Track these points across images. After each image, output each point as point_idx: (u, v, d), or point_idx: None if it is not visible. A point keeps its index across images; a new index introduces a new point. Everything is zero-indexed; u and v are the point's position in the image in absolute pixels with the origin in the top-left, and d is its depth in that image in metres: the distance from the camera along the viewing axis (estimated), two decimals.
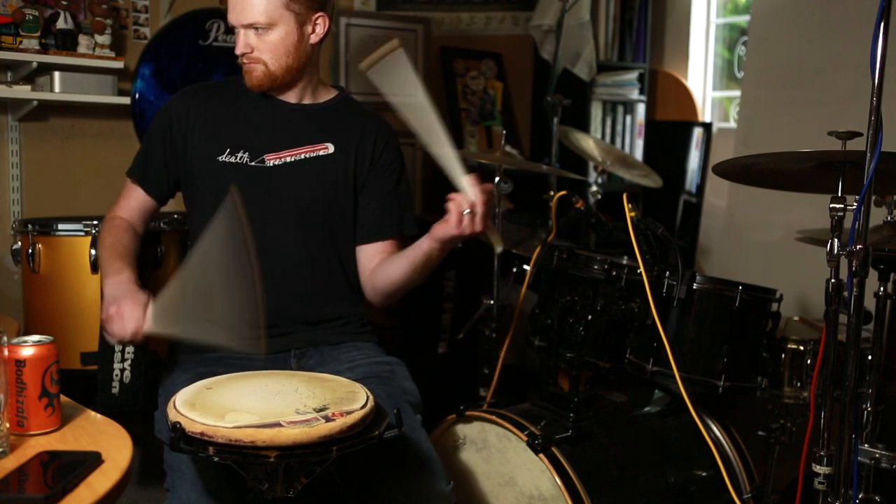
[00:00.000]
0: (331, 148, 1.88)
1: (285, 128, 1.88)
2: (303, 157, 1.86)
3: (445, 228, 1.65)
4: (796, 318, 2.69)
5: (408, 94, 1.59)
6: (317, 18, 1.82)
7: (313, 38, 1.84)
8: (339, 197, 1.89)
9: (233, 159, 1.84)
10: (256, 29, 1.78)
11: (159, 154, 1.89)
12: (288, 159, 1.85)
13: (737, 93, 3.93)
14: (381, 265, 1.90)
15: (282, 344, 1.84)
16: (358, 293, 1.95)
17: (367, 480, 1.65)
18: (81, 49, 2.72)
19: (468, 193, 1.61)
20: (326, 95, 1.95)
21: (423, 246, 1.75)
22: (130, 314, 1.57)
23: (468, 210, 1.61)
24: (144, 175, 1.91)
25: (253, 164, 1.84)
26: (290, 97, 1.90)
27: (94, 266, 2.20)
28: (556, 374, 2.15)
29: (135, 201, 1.91)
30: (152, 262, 2.24)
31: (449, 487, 1.66)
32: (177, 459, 1.55)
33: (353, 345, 1.89)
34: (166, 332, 1.59)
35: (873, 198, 1.58)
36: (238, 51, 1.81)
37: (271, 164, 1.84)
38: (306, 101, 1.91)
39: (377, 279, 1.90)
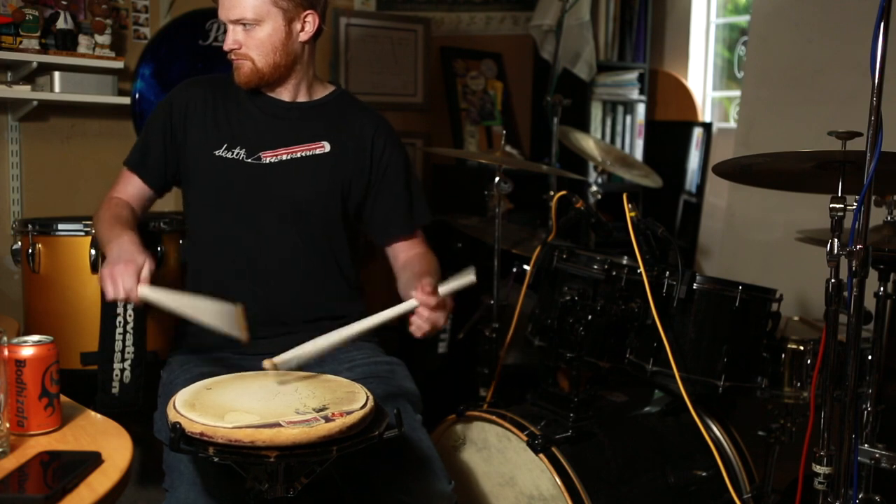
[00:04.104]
0: (327, 147, 1.88)
1: (282, 125, 1.88)
2: (299, 155, 1.86)
3: (419, 333, 1.60)
4: (796, 318, 2.69)
5: (317, 354, 1.56)
6: (306, 16, 1.82)
7: (302, 36, 1.83)
8: (335, 196, 1.89)
9: (229, 154, 1.84)
10: (244, 25, 1.78)
11: (159, 144, 1.89)
12: (284, 157, 1.85)
13: (737, 93, 3.93)
14: (399, 277, 1.92)
15: (281, 344, 1.84)
16: (356, 290, 1.95)
17: (367, 480, 1.65)
18: (81, 49, 2.72)
19: (421, 309, 1.56)
20: (322, 92, 1.95)
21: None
22: (122, 275, 1.55)
23: (429, 328, 1.58)
24: (143, 165, 1.90)
25: (249, 160, 1.84)
26: (284, 94, 1.89)
27: (94, 266, 2.20)
28: (556, 374, 2.15)
29: (132, 188, 1.91)
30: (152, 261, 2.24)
31: (450, 486, 1.66)
32: (176, 459, 1.55)
33: (352, 344, 1.88)
34: (161, 302, 1.57)
35: (873, 198, 1.58)
36: (226, 47, 1.81)
37: (267, 162, 1.84)
38: (301, 98, 1.91)
39: (400, 282, 1.91)
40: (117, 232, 1.70)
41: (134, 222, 1.82)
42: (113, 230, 1.73)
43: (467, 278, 1.59)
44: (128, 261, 1.58)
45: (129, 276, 1.55)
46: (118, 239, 1.67)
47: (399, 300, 1.86)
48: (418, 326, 1.58)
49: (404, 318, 1.62)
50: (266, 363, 1.46)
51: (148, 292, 1.56)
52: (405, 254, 1.96)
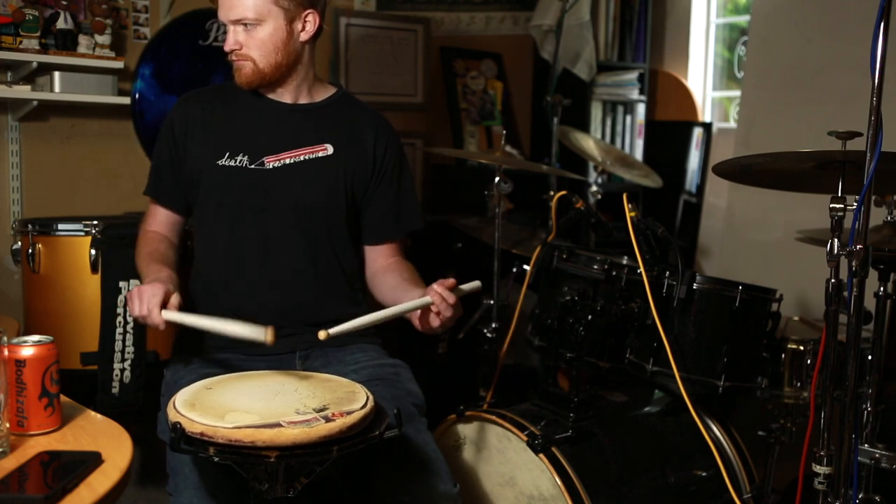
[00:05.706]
0: (330, 149, 1.88)
1: (284, 129, 1.87)
2: (302, 158, 1.86)
3: (429, 327, 1.67)
4: (796, 318, 2.69)
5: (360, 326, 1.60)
6: (307, 15, 1.81)
7: (303, 36, 1.83)
8: (339, 197, 1.89)
9: (232, 162, 1.83)
10: (245, 25, 1.77)
11: (168, 166, 1.89)
12: (287, 161, 1.85)
13: (737, 93, 3.93)
14: (381, 280, 1.92)
15: (286, 345, 1.84)
16: (359, 293, 1.95)
17: (370, 482, 1.65)
18: (81, 49, 2.72)
19: (437, 300, 1.64)
20: (324, 93, 1.95)
21: (410, 316, 1.71)
22: (150, 295, 1.56)
23: (447, 314, 1.64)
24: (160, 191, 1.92)
25: (252, 166, 1.83)
26: (286, 96, 1.89)
27: (94, 266, 2.20)
28: (556, 374, 2.15)
29: (161, 217, 1.92)
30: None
31: (455, 489, 1.66)
32: (179, 462, 1.55)
33: (357, 346, 1.89)
34: (185, 321, 1.58)
35: (873, 198, 1.58)
36: (227, 48, 1.81)
37: (270, 167, 1.84)
38: (302, 100, 1.91)
39: (376, 290, 1.94)
40: (155, 268, 1.71)
41: (172, 255, 1.85)
42: (150, 266, 1.74)
43: (474, 284, 1.71)
44: (158, 285, 1.58)
45: (155, 297, 1.56)
46: (157, 274, 1.68)
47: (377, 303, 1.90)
48: (438, 313, 1.64)
49: (404, 323, 1.67)
50: (321, 334, 1.49)
51: (171, 316, 1.56)
52: (384, 260, 1.95)
